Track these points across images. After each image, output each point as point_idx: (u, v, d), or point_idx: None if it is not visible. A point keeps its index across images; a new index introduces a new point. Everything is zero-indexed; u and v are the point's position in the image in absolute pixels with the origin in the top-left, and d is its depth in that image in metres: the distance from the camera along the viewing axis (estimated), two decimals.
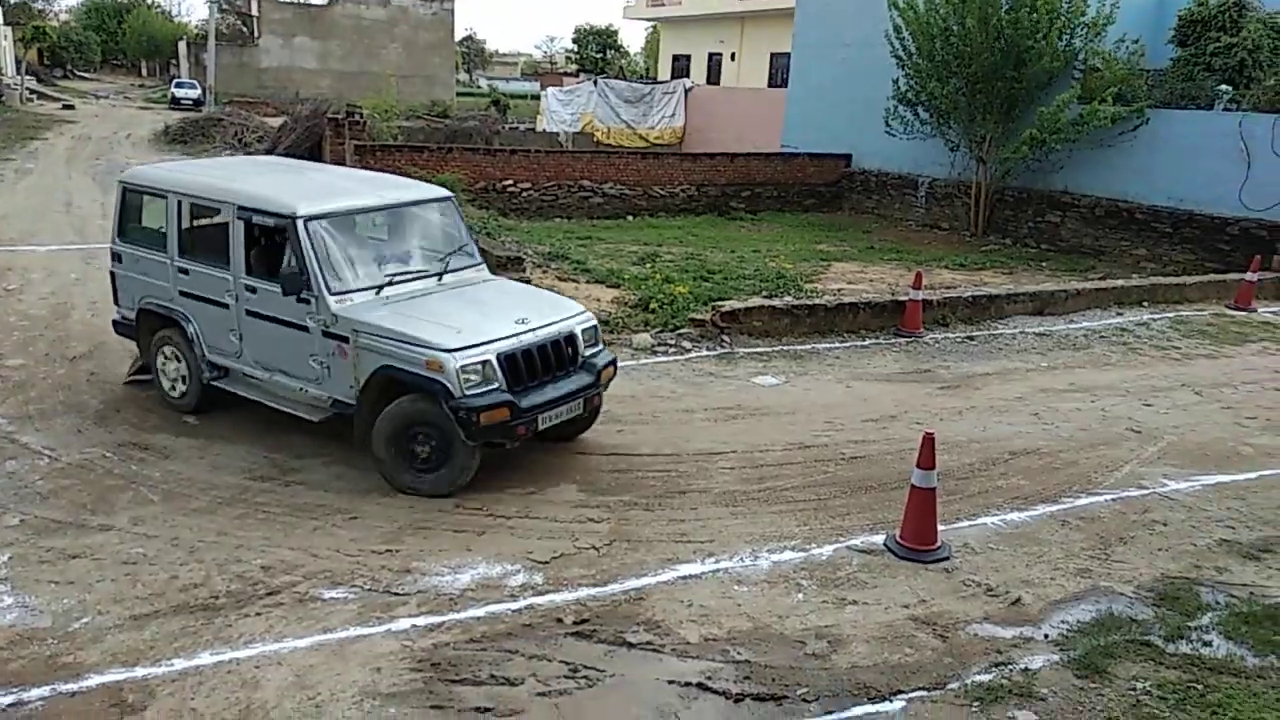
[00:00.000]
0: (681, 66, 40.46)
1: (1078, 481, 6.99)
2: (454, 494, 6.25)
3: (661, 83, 35.79)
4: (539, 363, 6.40)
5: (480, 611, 4.99)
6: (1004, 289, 12.61)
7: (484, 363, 6.09)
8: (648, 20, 51.43)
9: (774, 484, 6.70)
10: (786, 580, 5.43)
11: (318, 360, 6.56)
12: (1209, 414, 8.63)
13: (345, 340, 6.36)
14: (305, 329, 6.52)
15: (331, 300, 6.38)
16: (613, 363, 7.08)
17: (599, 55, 60.04)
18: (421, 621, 4.87)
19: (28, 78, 45.40)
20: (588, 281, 12.57)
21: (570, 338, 6.69)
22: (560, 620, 4.93)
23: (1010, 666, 4.70)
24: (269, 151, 24.29)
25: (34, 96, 43.37)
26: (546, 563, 5.50)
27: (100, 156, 24.83)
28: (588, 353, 6.84)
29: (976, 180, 18.89)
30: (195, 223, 7.33)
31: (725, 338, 10.14)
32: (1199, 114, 16.58)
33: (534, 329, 6.46)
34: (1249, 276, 13.29)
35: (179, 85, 47.07)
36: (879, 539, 5.91)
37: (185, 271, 7.19)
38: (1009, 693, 4.49)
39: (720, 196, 21.57)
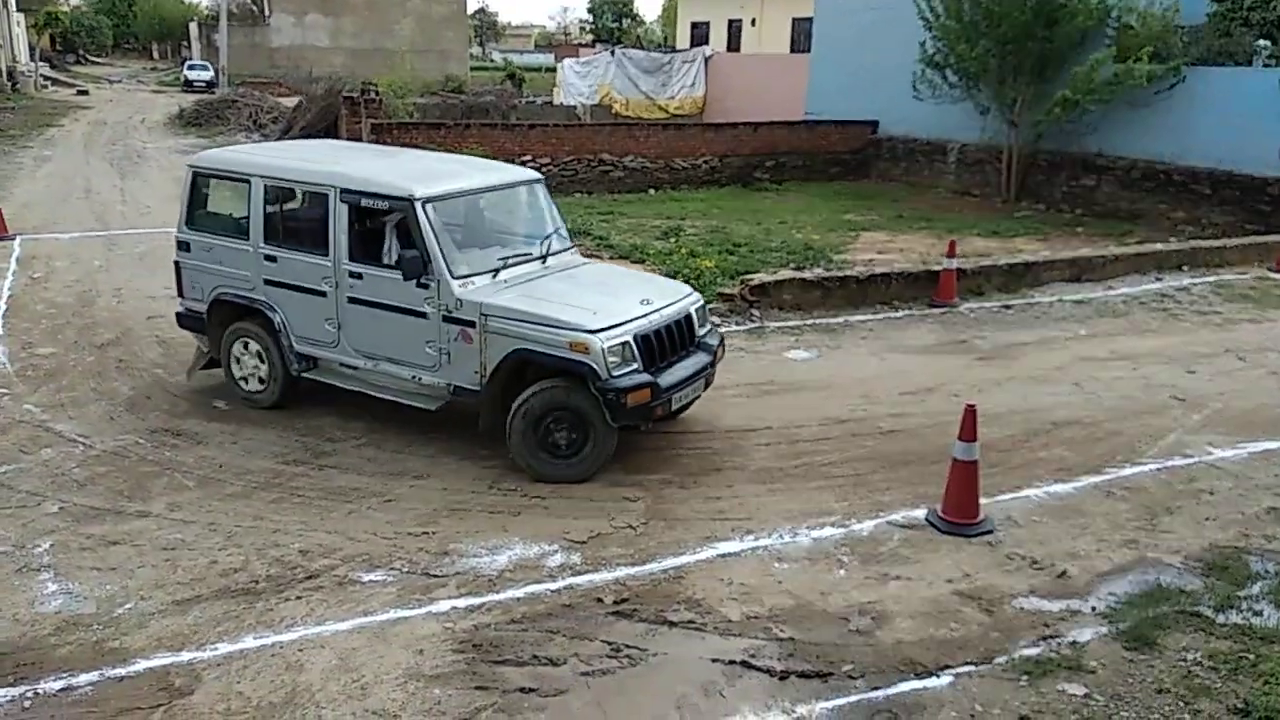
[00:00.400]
0: (701, 34, 39.96)
1: (1121, 451, 6.86)
2: (591, 478, 6.20)
3: (680, 51, 35.41)
4: (667, 343, 6.37)
5: (520, 592, 4.96)
6: (1040, 256, 12.39)
7: (624, 344, 6.02)
8: None
9: (811, 459, 6.63)
10: (827, 557, 5.37)
11: (435, 346, 6.40)
12: (1254, 380, 8.45)
13: (471, 325, 6.23)
14: (422, 315, 6.37)
15: (455, 284, 6.24)
16: (723, 341, 7.12)
17: (615, 25, 59.55)
18: (461, 603, 4.85)
19: (41, 64, 45.56)
20: (611, 258, 12.46)
21: (688, 318, 6.67)
22: (600, 600, 4.90)
23: (1058, 640, 4.63)
24: (284, 133, 24.26)
25: (48, 83, 43.51)
26: (584, 542, 5.47)
27: (116, 142, 24.95)
28: (701, 332, 6.83)
29: (1008, 145, 18.54)
30: (284, 207, 7.08)
31: (755, 312, 10.03)
32: (1237, 71, 16.17)
33: (659, 309, 6.42)
34: None
35: (191, 67, 47.07)
36: (920, 513, 5.83)
37: (272, 259, 6.90)
38: (1058, 666, 4.42)
39: (744, 167, 21.34)
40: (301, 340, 6.96)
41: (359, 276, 6.57)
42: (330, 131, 21.45)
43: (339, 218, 6.59)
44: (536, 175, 7.56)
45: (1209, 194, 16.18)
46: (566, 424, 6.12)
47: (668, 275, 11.09)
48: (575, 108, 32.30)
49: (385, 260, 6.51)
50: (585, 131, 20.90)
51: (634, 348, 6.06)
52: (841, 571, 5.23)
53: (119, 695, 4.16)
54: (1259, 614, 4.82)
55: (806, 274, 10.79)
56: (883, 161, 22.34)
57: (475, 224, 7.05)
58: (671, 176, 20.61)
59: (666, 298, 6.64)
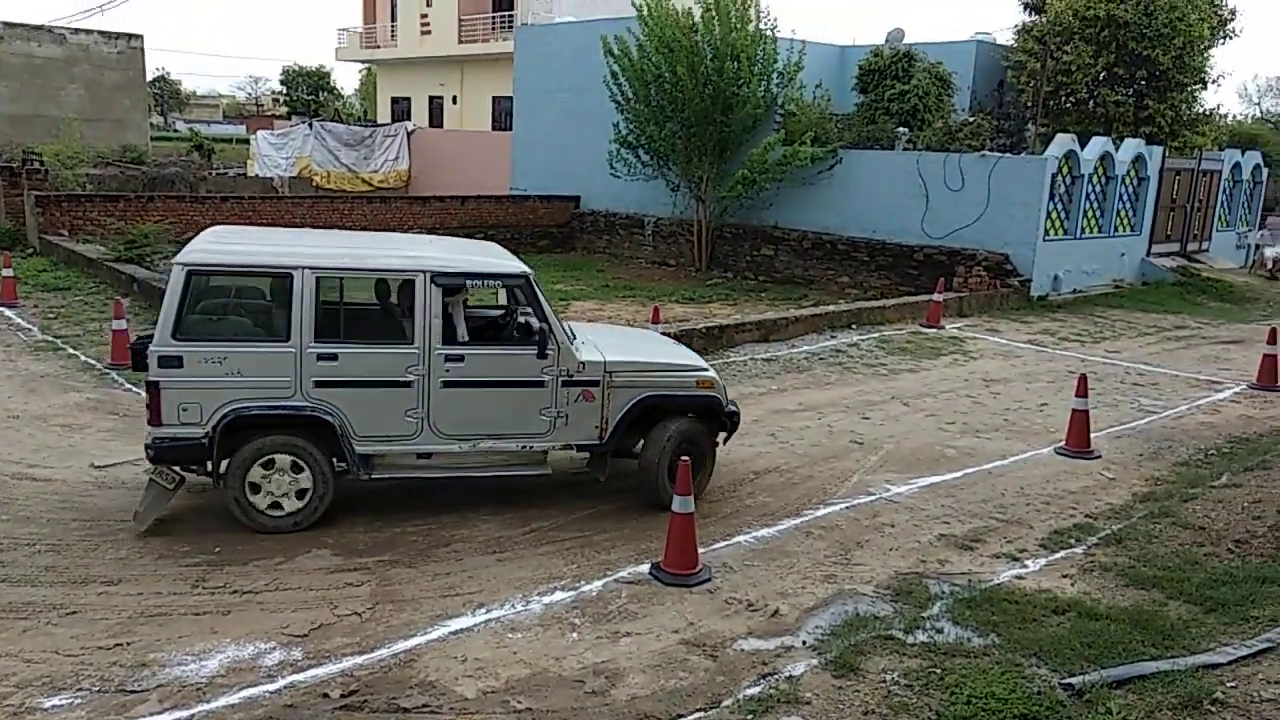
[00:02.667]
0: (402, 109, 39.86)
1: (815, 494, 7.53)
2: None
3: (382, 126, 35.06)
4: None
5: (234, 698, 4.57)
6: (732, 319, 13.42)
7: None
8: (361, 62, 50.34)
9: (539, 525, 6.69)
10: (560, 621, 5.42)
11: (551, 412, 6.66)
12: (917, 422, 9.61)
13: (594, 384, 6.68)
14: (539, 383, 6.57)
15: (576, 349, 6.63)
16: None
17: (311, 97, 57.76)
18: (167, 718, 4.39)
19: None
20: None
21: None
22: (326, 695, 4.62)
23: (776, 676, 4.95)
24: None
25: None
26: (305, 635, 5.15)
27: None
28: None
29: (697, 218, 20.01)
30: (341, 300, 6.60)
31: None
32: (883, 153, 18.58)
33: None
34: (936, 297, 14.97)
35: None
36: (645, 568, 6.05)
37: (330, 356, 6.21)
38: (778, 701, 4.71)
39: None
40: (365, 440, 6.40)
41: (459, 359, 6.44)
42: None
43: (430, 303, 6.33)
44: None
45: (867, 260, 18.36)
46: (689, 454, 6.56)
47: None
48: (272, 179, 30.93)
49: (460, 339, 6.58)
50: (284, 204, 20.09)
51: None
52: (574, 634, 5.30)
53: None
54: (941, 631, 5.42)
55: None
56: (587, 234, 23.29)
57: None
58: None
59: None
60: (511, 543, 6.40)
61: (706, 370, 7.16)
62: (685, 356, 7.43)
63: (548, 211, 23.16)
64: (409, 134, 32.75)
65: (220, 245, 6.49)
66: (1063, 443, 8.86)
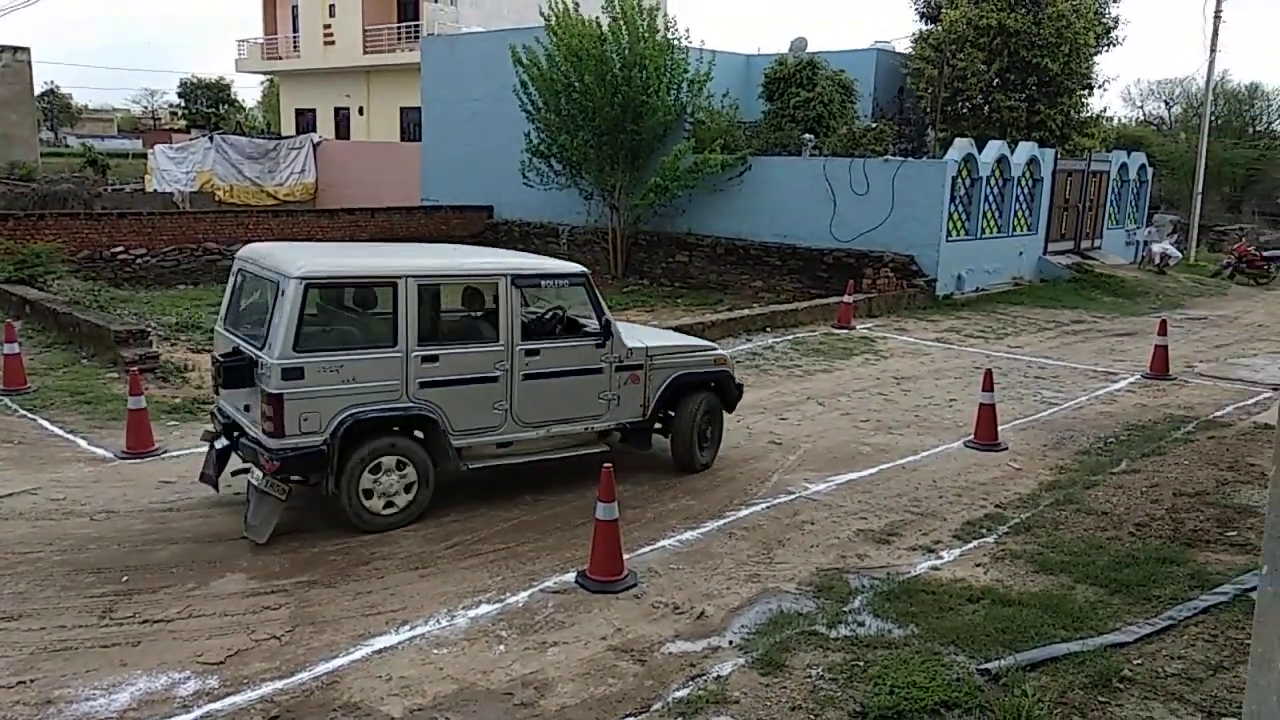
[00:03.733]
0: (307, 121, 39.05)
1: (737, 495, 7.62)
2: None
3: (287, 138, 34.29)
4: None
5: None
6: (650, 325, 13.47)
7: None
8: (263, 73, 49.18)
9: (461, 539, 6.61)
10: (486, 634, 5.37)
11: (607, 395, 7.45)
12: (832, 421, 9.80)
13: (639, 368, 7.56)
14: (598, 370, 7.35)
15: (624, 338, 7.47)
16: None
17: (211, 110, 56.11)
18: None
19: None
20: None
21: None
22: None
23: (704, 678, 4.98)
24: None
25: None
26: (221, 663, 4.99)
27: None
28: None
29: (612, 226, 20.08)
30: (437, 305, 7.07)
31: None
32: (790, 160, 18.94)
33: None
34: (846, 299, 15.31)
35: None
36: (570, 577, 6.03)
37: (432, 358, 6.63)
38: (706, 702, 4.74)
39: None
40: (460, 434, 6.84)
41: (535, 353, 7.05)
42: None
43: (511, 303, 6.92)
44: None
45: (779, 265, 18.68)
46: (710, 422, 8.03)
47: None
48: (172, 195, 29.97)
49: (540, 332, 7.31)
50: (185, 220, 19.50)
51: None
52: (501, 647, 5.25)
53: None
54: (863, 624, 5.53)
55: None
56: (501, 244, 23.10)
57: None
58: None
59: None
60: (434, 558, 6.31)
61: (719, 350, 8.45)
62: (695, 340, 8.70)
63: (460, 222, 22.96)
64: (315, 146, 32.12)
65: (338, 261, 7.02)
66: (971, 436, 9.14)
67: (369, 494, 6.54)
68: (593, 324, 7.43)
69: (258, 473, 6.35)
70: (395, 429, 6.64)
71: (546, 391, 7.14)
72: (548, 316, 7.65)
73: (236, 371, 6.39)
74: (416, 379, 6.59)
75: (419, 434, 6.77)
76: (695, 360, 8.04)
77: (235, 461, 6.88)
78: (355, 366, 6.37)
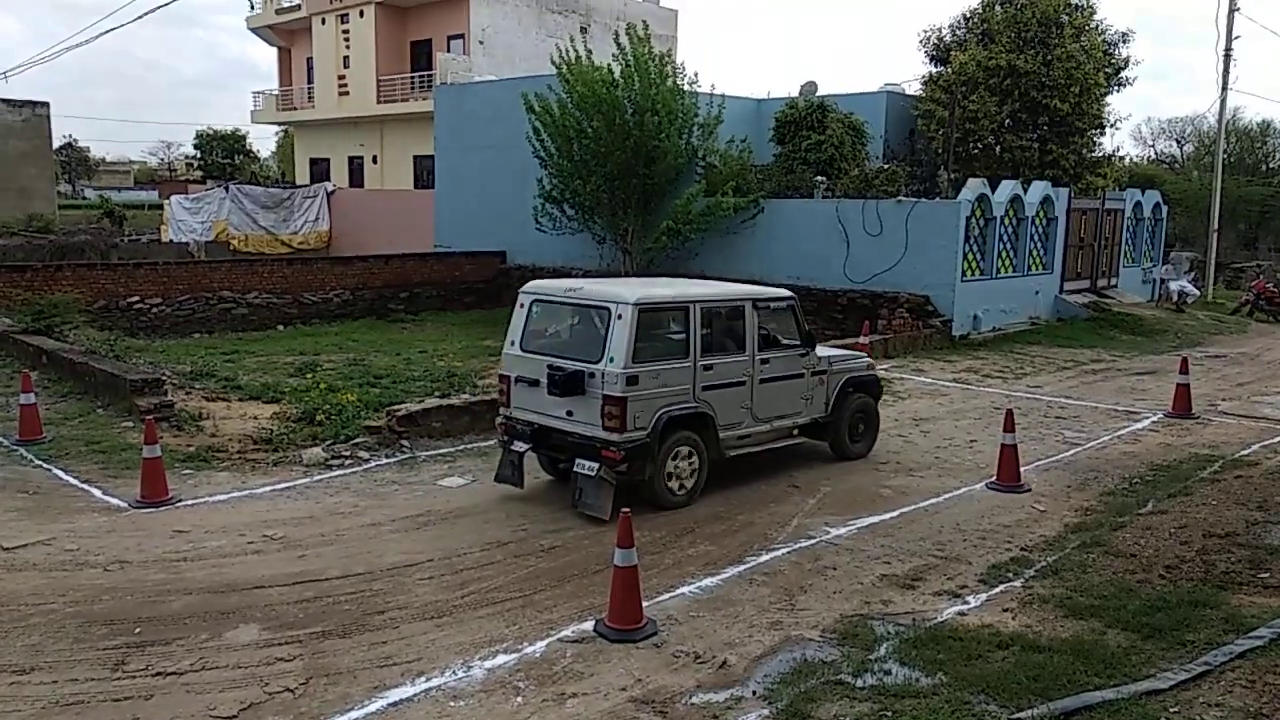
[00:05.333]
0: (321, 170, 39.49)
1: (757, 540, 7.49)
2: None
3: (301, 187, 34.68)
4: None
5: None
6: None
7: None
8: (278, 124, 49.88)
9: (477, 587, 6.51)
10: (503, 685, 5.25)
11: (805, 396, 9.25)
12: (851, 464, 9.67)
13: (824, 373, 9.43)
14: (800, 376, 9.16)
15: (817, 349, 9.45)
16: None
17: (226, 161, 56.88)
18: None
19: None
20: (240, 399, 11.66)
21: None
22: None
23: None
24: None
25: None
26: (234, 717, 4.89)
27: None
28: None
29: (625, 270, 20.10)
30: (710, 324, 8.47)
31: (405, 443, 9.82)
32: (802, 202, 18.98)
33: None
34: (862, 340, 15.23)
35: None
36: (589, 625, 5.92)
37: (709, 367, 8.31)
38: None
39: (377, 299, 21.16)
40: (722, 428, 8.43)
41: (767, 361, 8.80)
42: None
43: (752, 322, 8.67)
44: None
45: None
46: (864, 419, 9.91)
47: (306, 412, 10.58)
48: (188, 244, 30.30)
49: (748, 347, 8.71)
50: (201, 269, 19.64)
51: None
52: (519, 699, 5.13)
53: None
54: (889, 673, 5.39)
55: (453, 400, 10.80)
56: (514, 289, 22.92)
57: None
58: (301, 311, 19.90)
59: None
60: (449, 606, 6.21)
61: (868, 359, 10.28)
62: (849, 351, 10.73)
63: (473, 268, 23.06)
64: (329, 194, 32.48)
65: (653, 291, 8.41)
66: (994, 478, 9.01)
67: (669, 477, 8.08)
68: (793, 339, 9.13)
69: (587, 463, 7.80)
70: (686, 425, 8.11)
71: (772, 392, 8.87)
72: (765, 334, 8.98)
73: (569, 382, 7.82)
74: (700, 384, 8.25)
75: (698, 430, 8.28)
76: (855, 366, 9.80)
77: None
78: (666, 374, 8.00)
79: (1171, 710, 4.86)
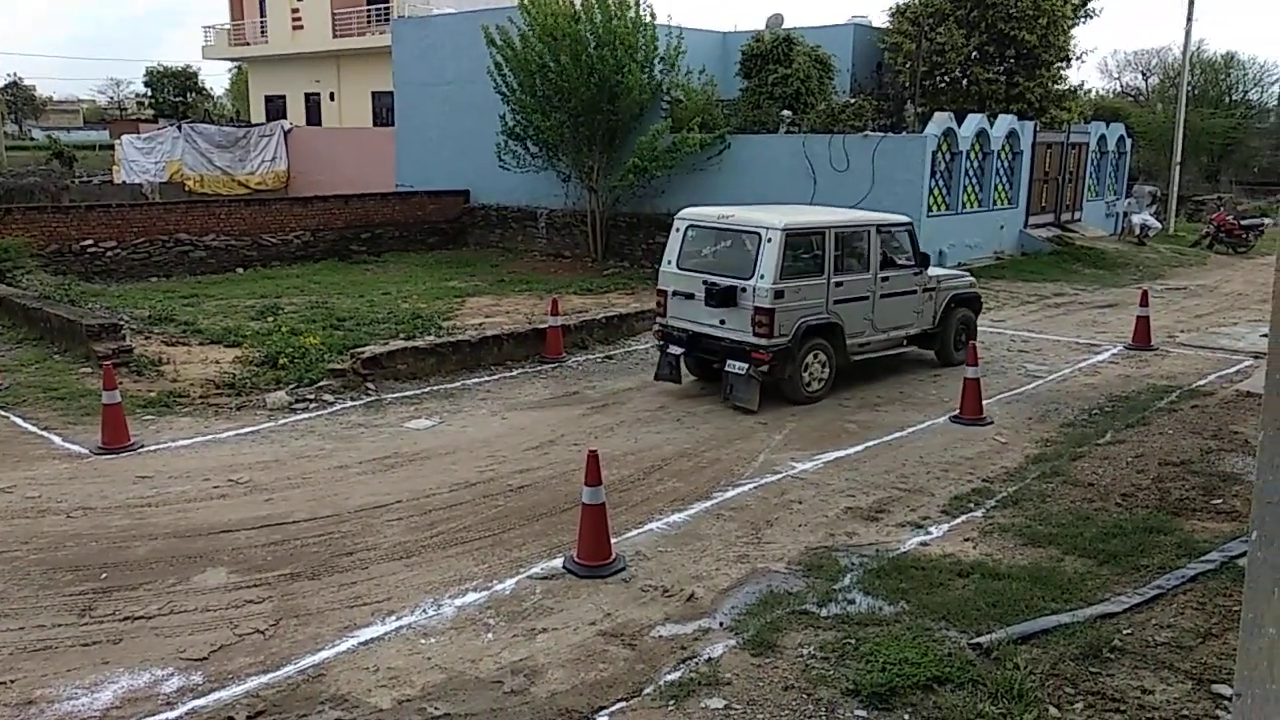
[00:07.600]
0: (277, 108, 38.52)
1: (724, 476, 7.57)
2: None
3: (257, 125, 33.82)
4: None
5: None
6: (631, 308, 13.39)
7: None
8: (231, 60, 48.49)
9: (446, 527, 6.53)
10: (474, 622, 5.30)
11: (917, 309, 10.53)
12: (817, 402, 9.73)
13: (933, 290, 10.66)
14: (914, 292, 10.43)
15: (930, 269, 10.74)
16: None
17: (179, 99, 55.16)
18: None
19: None
20: (201, 343, 11.49)
21: None
22: (232, 718, 4.41)
23: (696, 660, 4.94)
24: None
25: None
26: (204, 659, 4.90)
27: None
28: None
29: (590, 209, 19.90)
30: (842, 246, 9.70)
31: (370, 385, 9.75)
32: (769, 137, 18.81)
33: None
34: None
35: None
36: (558, 562, 5.97)
37: (840, 283, 9.66)
38: (698, 684, 4.70)
39: (339, 240, 20.80)
40: (850, 337, 9.83)
41: (887, 279, 10.09)
42: None
43: (874, 245, 9.97)
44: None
45: None
46: (965, 330, 11.08)
47: (269, 356, 10.46)
48: (141, 186, 29.54)
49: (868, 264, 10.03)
50: (156, 211, 19.15)
51: None
52: (489, 635, 5.18)
53: None
54: (853, 602, 5.50)
55: (418, 342, 10.72)
56: (478, 229, 22.92)
57: None
58: (261, 254, 19.52)
59: None
60: (418, 547, 6.23)
61: (970, 276, 11.54)
62: (955, 270, 12.29)
63: (436, 208, 22.70)
64: (285, 133, 31.71)
65: (794, 218, 9.64)
66: (957, 411, 9.13)
67: (806, 376, 9.47)
68: (908, 260, 10.34)
69: (737, 364, 9.17)
70: (820, 333, 9.46)
71: (890, 306, 10.18)
72: (885, 255, 10.13)
73: (724, 295, 9.17)
74: (832, 298, 9.60)
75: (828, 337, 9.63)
76: (959, 284, 11.08)
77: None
78: (805, 289, 9.36)
79: (1125, 632, 5.02)
